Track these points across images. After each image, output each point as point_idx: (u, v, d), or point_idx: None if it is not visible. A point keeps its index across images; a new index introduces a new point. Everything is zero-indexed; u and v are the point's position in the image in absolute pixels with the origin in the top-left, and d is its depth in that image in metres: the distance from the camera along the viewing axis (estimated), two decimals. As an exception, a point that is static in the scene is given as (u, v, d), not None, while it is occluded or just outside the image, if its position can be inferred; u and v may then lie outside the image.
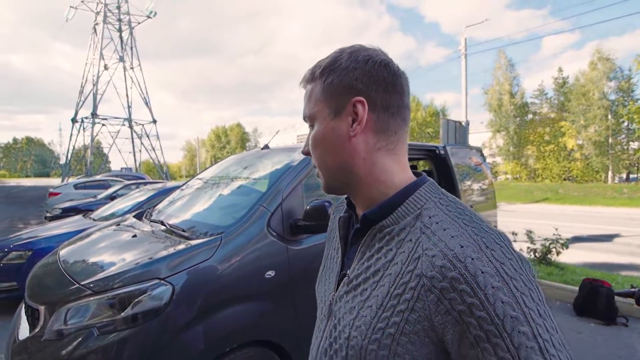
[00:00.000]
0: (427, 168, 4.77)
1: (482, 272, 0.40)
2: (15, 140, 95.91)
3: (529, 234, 4.66)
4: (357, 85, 0.50)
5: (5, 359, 1.57)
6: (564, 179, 24.29)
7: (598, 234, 8.16)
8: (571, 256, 5.11)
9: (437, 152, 3.18)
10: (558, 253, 4.51)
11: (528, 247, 4.64)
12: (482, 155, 4.34)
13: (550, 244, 4.51)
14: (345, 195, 0.60)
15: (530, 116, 26.79)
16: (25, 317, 1.67)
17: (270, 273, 1.67)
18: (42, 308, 1.51)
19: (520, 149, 26.29)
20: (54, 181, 34.73)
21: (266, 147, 2.69)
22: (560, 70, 26.44)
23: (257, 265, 1.66)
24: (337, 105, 0.52)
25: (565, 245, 4.46)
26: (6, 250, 3.53)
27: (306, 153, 0.58)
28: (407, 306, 0.44)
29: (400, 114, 0.53)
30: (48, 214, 7.43)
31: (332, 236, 0.67)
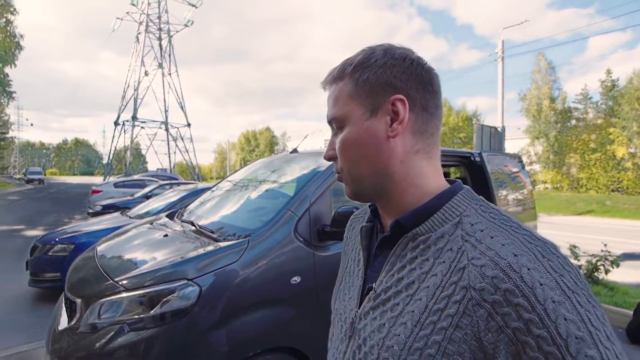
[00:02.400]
0: (458, 175, 4.58)
1: (541, 284, 0.35)
2: (65, 141, 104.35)
3: (573, 248, 4.31)
4: (395, 82, 0.47)
5: (46, 346, 1.66)
6: (612, 190, 22.43)
7: (653, 252, 7.42)
8: (622, 275, 4.66)
9: (473, 158, 3.03)
10: (607, 271, 4.12)
11: (571, 263, 4.29)
12: (520, 162, 4.09)
13: (597, 260, 4.14)
14: (369, 204, 0.57)
15: (573, 122, 25.10)
16: (64, 308, 1.75)
17: (296, 279, 1.64)
18: (79, 301, 1.58)
19: (562, 157, 24.65)
20: (97, 179, 37.23)
21: (295, 151, 2.69)
22: (609, 72, 24.56)
23: (282, 270, 1.64)
24: (373, 104, 0.48)
25: (616, 262, 4.07)
26: (52, 242, 3.79)
27: (330, 158, 0.53)
28: (451, 322, 0.39)
29: (437, 115, 0.50)
30: (90, 210, 7.94)
31: (350, 248, 0.63)
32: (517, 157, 4.12)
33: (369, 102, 0.48)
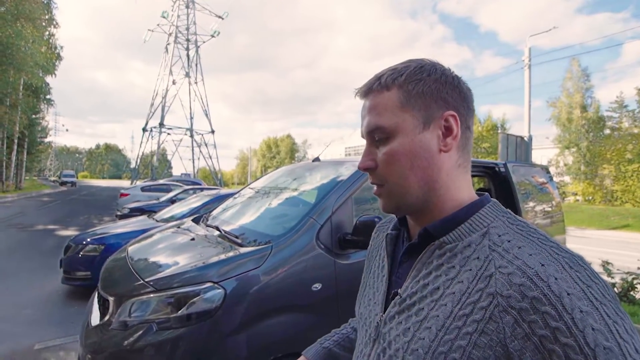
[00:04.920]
0: (482, 186, 4.47)
1: (568, 294, 0.36)
2: (97, 146, 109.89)
3: (606, 265, 4.08)
4: (448, 98, 0.49)
5: (80, 339, 1.75)
6: (650, 204, 21.00)
7: (696, 272, 6.87)
8: (661, 295, 4.36)
9: (497, 169, 2.96)
10: (644, 290, 3.88)
11: (605, 281, 4.05)
12: (548, 173, 3.95)
13: (634, 278, 3.90)
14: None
15: (607, 131, 23.88)
16: (97, 305, 1.84)
17: (317, 286, 1.66)
18: (111, 299, 1.66)
19: (594, 168, 23.43)
20: (125, 183, 38.88)
21: (317, 159, 2.72)
22: (645, 79, 23.18)
23: (304, 276, 1.67)
24: (425, 117, 0.49)
25: (654, 281, 3.83)
26: (84, 243, 3.98)
27: (367, 168, 0.52)
28: (476, 328, 0.40)
29: (472, 132, 0.54)
30: (119, 213, 8.29)
31: (374, 254, 0.65)
32: (544, 168, 3.99)
33: (421, 114, 0.49)
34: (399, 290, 0.50)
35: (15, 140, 23.10)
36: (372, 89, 0.51)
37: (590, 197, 23.90)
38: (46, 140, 37.56)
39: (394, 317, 0.49)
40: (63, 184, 36.64)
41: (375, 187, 0.53)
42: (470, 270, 0.43)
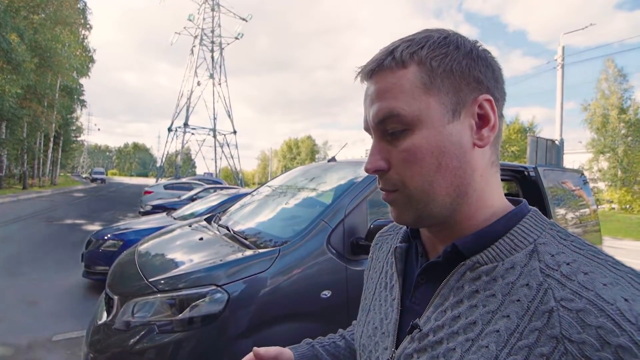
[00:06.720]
0: (507, 191, 4.22)
1: None
2: (125, 145, 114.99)
3: (648, 280, 3.74)
4: (481, 78, 0.38)
5: (85, 337, 1.74)
6: (696, 215, 19.44)
7: None
8: None
9: (526, 173, 2.76)
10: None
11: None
12: (582, 178, 3.67)
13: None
14: None
15: (647, 136, 22.32)
16: (104, 304, 1.83)
17: (327, 293, 1.56)
18: (116, 298, 1.63)
19: (632, 174, 21.98)
20: (151, 181, 40.36)
21: (333, 159, 2.63)
22: (692, 81, 21.55)
23: (313, 282, 1.57)
24: (454, 103, 0.38)
25: None
26: (104, 238, 4.08)
27: (378, 170, 0.40)
28: None
29: (503, 122, 0.44)
30: (141, 209, 8.54)
31: (377, 270, 0.54)
32: (578, 172, 3.71)
33: (449, 99, 0.38)
34: (419, 321, 0.40)
35: (52, 139, 24.48)
36: (383, 65, 0.39)
37: (628, 206, 22.40)
38: (79, 138, 39.64)
39: (411, 355, 0.39)
40: (93, 180, 38.49)
41: (384, 192, 0.41)
42: (519, 301, 0.33)
